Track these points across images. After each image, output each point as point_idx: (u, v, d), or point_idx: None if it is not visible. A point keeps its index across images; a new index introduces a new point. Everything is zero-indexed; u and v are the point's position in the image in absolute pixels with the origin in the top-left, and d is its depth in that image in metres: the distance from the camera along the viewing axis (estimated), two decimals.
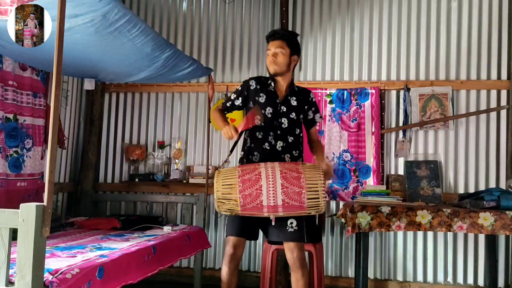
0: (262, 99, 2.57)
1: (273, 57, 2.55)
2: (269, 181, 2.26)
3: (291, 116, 2.57)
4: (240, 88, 2.67)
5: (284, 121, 2.56)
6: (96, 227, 3.46)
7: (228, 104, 2.68)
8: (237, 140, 2.67)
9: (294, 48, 2.60)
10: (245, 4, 4.25)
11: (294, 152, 2.57)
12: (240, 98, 2.64)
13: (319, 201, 2.28)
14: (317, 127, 2.76)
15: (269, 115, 2.54)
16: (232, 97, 2.67)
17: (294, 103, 2.59)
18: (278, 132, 2.54)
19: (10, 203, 2.95)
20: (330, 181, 3.87)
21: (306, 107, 2.64)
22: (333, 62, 4.06)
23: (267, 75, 2.68)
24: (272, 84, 2.60)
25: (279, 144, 2.54)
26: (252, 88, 2.61)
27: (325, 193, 2.31)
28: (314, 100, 2.69)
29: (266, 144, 2.53)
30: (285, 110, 2.57)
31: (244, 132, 2.65)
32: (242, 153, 2.64)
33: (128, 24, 2.54)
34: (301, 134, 2.63)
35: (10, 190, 3.18)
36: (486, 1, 3.83)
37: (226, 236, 2.54)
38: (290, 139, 2.56)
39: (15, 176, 3.25)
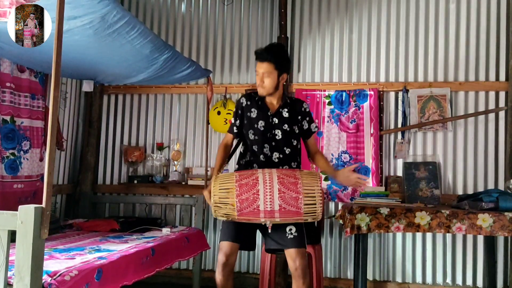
0: (253, 114, 2.57)
1: (260, 81, 2.50)
2: (266, 186, 2.26)
3: (284, 127, 2.55)
4: (235, 110, 2.67)
5: (278, 132, 2.54)
6: (94, 229, 3.46)
7: (232, 129, 2.66)
8: (236, 147, 2.67)
9: (282, 67, 2.52)
10: (243, 6, 4.25)
11: (292, 163, 2.56)
12: (238, 119, 2.64)
13: (315, 207, 2.27)
14: (316, 138, 2.72)
15: (262, 128, 2.54)
16: (232, 121, 2.67)
17: (286, 114, 2.57)
18: (273, 143, 2.53)
19: (6, 206, 2.94)
20: (329, 182, 3.87)
21: (299, 117, 2.61)
22: (331, 64, 4.05)
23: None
24: (262, 99, 2.59)
25: (275, 155, 2.52)
26: (243, 105, 2.61)
27: (321, 200, 2.28)
28: (307, 110, 2.65)
29: (262, 156, 2.52)
30: (277, 122, 2.55)
31: (240, 146, 2.67)
32: (237, 166, 2.63)
33: (127, 26, 2.54)
34: (298, 146, 2.62)
35: (6, 192, 3.18)
36: (484, 2, 3.83)
37: (220, 242, 2.48)
38: (287, 150, 2.55)
39: (11, 178, 3.24)
